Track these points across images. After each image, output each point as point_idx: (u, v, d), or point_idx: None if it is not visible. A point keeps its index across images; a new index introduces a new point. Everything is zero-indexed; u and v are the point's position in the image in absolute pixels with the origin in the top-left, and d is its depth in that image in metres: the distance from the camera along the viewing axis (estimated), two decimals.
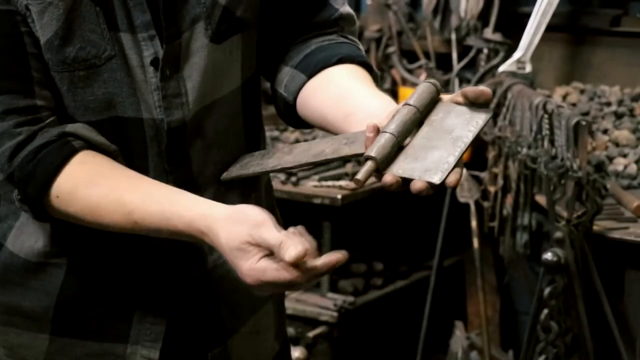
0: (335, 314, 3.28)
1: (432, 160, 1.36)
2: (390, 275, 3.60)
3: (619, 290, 2.90)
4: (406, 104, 1.40)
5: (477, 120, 1.41)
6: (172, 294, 1.66)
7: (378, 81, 1.70)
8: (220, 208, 1.46)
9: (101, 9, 1.53)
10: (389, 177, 1.35)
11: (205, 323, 1.69)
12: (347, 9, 1.73)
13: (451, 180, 1.34)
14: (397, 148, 1.39)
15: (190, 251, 1.64)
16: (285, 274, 1.38)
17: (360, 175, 1.36)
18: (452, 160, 1.36)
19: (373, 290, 3.52)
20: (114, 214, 1.52)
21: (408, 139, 1.40)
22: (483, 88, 1.43)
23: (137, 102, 1.58)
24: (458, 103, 1.43)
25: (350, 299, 3.35)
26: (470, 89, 1.43)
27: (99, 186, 1.52)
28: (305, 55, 1.67)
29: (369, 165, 1.37)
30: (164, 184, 1.55)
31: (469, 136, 1.39)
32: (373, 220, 3.68)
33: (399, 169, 1.37)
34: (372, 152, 1.37)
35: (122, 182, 1.53)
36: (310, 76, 1.64)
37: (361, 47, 1.74)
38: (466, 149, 1.38)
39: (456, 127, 1.40)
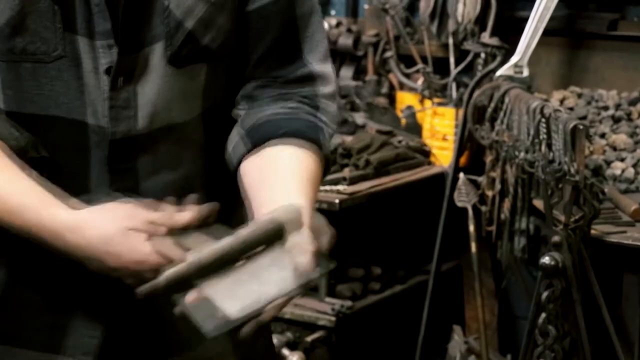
0: (333, 318, 3.28)
1: (238, 298, 1.38)
2: (388, 280, 3.58)
3: (616, 294, 2.93)
4: (247, 228, 1.43)
5: (292, 284, 1.39)
6: (111, 306, 1.63)
7: (326, 157, 1.67)
8: (79, 209, 1.51)
9: (60, 8, 1.53)
10: (190, 297, 1.40)
11: (145, 340, 1.67)
12: (321, 67, 1.72)
13: (243, 331, 1.38)
14: (221, 264, 1.41)
15: None
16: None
17: (147, 286, 1.43)
18: (249, 312, 1.36)
19: (371, 294, 3.51)
20: None
21: (241, 262, 1.42)
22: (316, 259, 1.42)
23: (84, 106, 1.57)
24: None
25: (348, 303, 3.35)
26: (317, 249, 1.42)
27: None
28: (256, 123, 1.66)
29: (179, 268, 1.42)
30: (34, 179, 1.55)
31: (272, 296, 1.38)
32: (371, 225, 3.63)
33: (208, 287, 1.40)
34: (190, 259, 1.41)
35: None
36: (252, 147, 1.63)
37: (322, 115, 1.71)
38: (263, 308, 1.38)
39: (271, 281, 1.40)
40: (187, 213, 1.52)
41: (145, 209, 1.52)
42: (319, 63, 1.70)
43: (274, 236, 1.42)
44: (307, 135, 1.63)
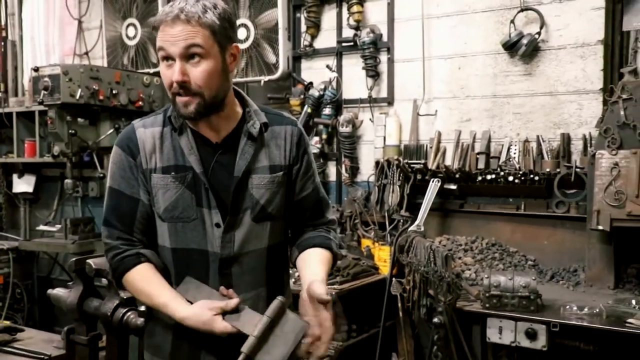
0: (334, 351, 3.21)
1: (274, 355, 1.37)
2: (360, 331, 3.55)
3: (469, 336, 2.95)
4: (266, 315, 1.40)
5: (299, 333, 1.37)
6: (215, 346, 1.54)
7: (337, 255, 1.68)
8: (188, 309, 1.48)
9: (194, 196, 1.55)
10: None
11: None
12: (332, 216, 1.75)
13: None
14: (258, 342, 1.37)
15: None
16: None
17: None
18: (284, 356, 1.37)
19: (352, 338, 3.48)
20: (146, 300, 1.56)
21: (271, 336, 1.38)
22: (325, 298, 1.42)
23: (206, 242, 1.56)
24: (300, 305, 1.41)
25: (341, 342, 3.33)
26: (317, 297, 1.41)
27: (141, 284, 1.55)
28: (301, 240, 1.70)
29: (241, 357, 1.36)
30: (170, 291, 1.52)
31: (292, 344, 1.37)
32: (351, 304, 3.47)
33: (261, 358, 1.37)
34: (245, 349, 1.36)
35: (154, 286, 1.53)
36: (300, 252, 1.67)
37: (333, 235, 1.70)
38: (290, 350, 1.36)
39: (288, 334, 1.38)
40: (233, 300, 1.45)
41: (215, 301, 1.45)
42: (330, 214, 1.74)
43: (282, 311, 1.41)
44: (324, 245, 1.66)
